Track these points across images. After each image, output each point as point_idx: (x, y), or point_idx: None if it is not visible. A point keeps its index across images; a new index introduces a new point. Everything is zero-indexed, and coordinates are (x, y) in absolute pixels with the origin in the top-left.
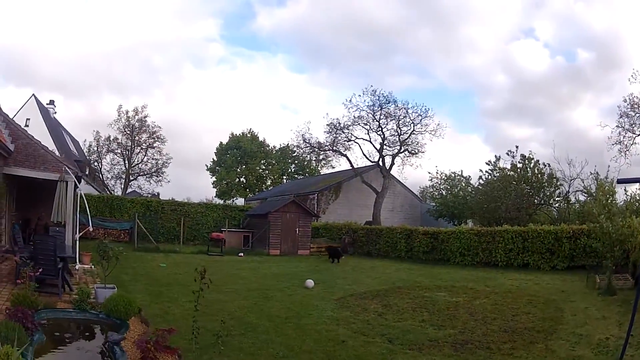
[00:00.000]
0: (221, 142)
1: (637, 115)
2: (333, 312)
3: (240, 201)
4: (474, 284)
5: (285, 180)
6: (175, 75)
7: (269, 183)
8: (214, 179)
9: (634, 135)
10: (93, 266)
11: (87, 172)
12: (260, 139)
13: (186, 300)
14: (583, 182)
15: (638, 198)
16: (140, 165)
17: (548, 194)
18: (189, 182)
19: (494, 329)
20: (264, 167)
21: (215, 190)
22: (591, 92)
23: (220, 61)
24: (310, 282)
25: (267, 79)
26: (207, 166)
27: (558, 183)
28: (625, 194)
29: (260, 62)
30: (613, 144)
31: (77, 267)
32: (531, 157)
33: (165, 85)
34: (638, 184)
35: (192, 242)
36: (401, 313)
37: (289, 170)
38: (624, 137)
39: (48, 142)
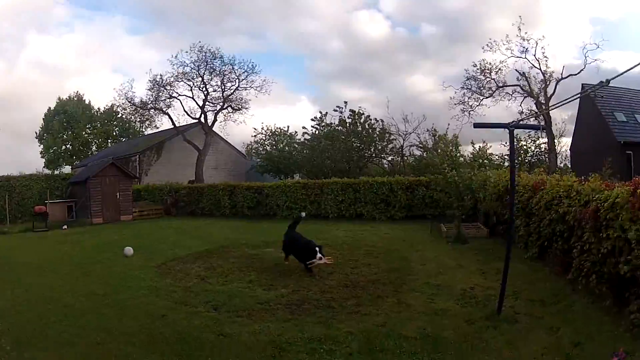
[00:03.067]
0: (49, 108)
1: (487, 79)
2: (153, 282)
3: (67, 169)
4: None
5: (110, 144)
6: (19, 43)
7: (94, 148)
8: (41, 148)
9: (482, 97)
10: None
11: None
12: (87, 102)
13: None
14: (419, 137)
15: (485, 151)
16: None
17: (380, 148)
18: (23, 154)
19: (332, 285)
20: (89, 132)
21: (43, 160)
22: (431, 62)
23: (60, 24)
24: (129, 250)
25: (103, 40)
26: (36, 134)
27: (391, 137)
28: (473, 146)
29: (98, 24)
30: (456, 104)
31: None
32: (361, 112)
33: (8, 53)
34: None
35: (21, 220)
36: (226, 275)
37: (114, 133)
38: (469, 97)
39: None
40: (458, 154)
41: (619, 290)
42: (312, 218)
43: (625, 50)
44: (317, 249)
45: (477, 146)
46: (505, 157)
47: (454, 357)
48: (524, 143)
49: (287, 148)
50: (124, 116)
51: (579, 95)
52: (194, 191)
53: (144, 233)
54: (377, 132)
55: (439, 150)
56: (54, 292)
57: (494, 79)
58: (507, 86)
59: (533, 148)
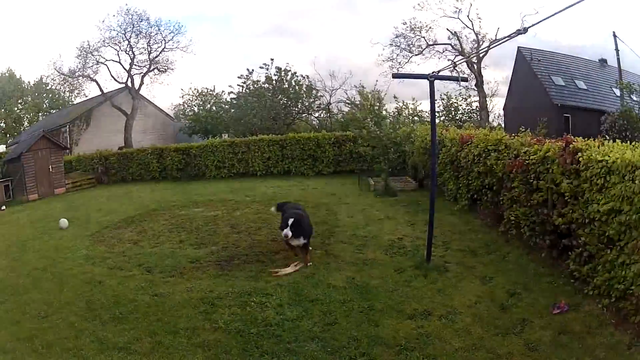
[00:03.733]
0: None
1: (417, 37)
2: (88, 250)
3: (2, 148)
4: (232, 196)
5: (41, 118)
6: None
7: (26, 123)
8: None
9: (410, 55)
10: None
11: None
12: (18, 77)
13: None
14: (346, 94)
15: (415, 108)
16: None
17: (307, 104)
18: None
19: (261, 240)
20: (20, 107)
21: None
22: (360, 19)
23: None
24: (63, 222)
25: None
26: None
27: (318, 94)
28: (396, 101)
29: None
30: (384, 61)
31: None
32: (288, 69)
33: None
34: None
35: None
36: (157, 237)
37: (44, 105)
38: (397, 55)
39: None
40: (382, 109)
41: (554, 242)
42: (240, 176)
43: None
44: (290, 221)
45: (403, 102)
46: (444, 111)
47: (384, 305)
48: (454, 100)
49: (214, 108)
50: (53, 87)
51: (503, 40)
52: (124, 157)
53: (77, 204)
54: (304, 89)
55: (361, 106)
56: None
57: (424, 37)
58: (437, 44)
59: (464, 106)
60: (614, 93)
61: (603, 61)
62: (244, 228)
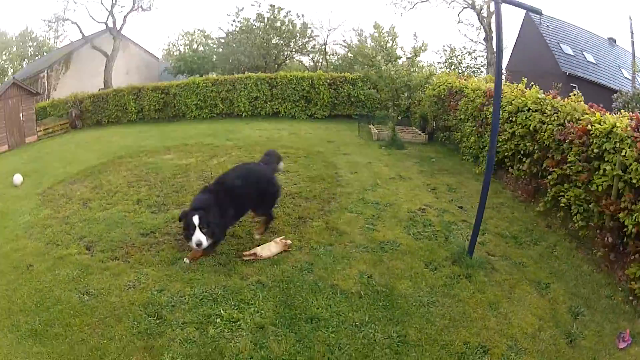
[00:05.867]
0: None
1: None
2: (32, 215)
3: None
4: (212, 139)
5: (25, 66)
6: None
7: (10, 72)
8: None
9: (416, 1)
10: None
11: None
12: (2, 29)
13: None
14: (343, 36)
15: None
16: None
17: (301, 44)
18: None
19: None
20: (5, 58)
21: None
22: None
23: None
24: (17, 179)
25: None
26: None
27: (313, 34)
28: (415, 40)
29: None
30: (387, 4)
31: None
32: (281, 7)
33: None
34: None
35: None
36: (112, 194)
37: (29, 53)
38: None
39: None
40: (395, 46)
41: (614, 242)
42: (223, 117)
43: None
44: (194, 218)
45: (419, 42)
46: (439, 63)
47: (421, 333)
48: (458, 53)
49: (201, 48)
50: (38, 35)
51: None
52: (99, 99)
53: (43, 153)
54: (298, 28)
55: (372, 42)
56: None
57: None
58: None
59: (469, 60)
60: (622, 74)
61: (612, 40)
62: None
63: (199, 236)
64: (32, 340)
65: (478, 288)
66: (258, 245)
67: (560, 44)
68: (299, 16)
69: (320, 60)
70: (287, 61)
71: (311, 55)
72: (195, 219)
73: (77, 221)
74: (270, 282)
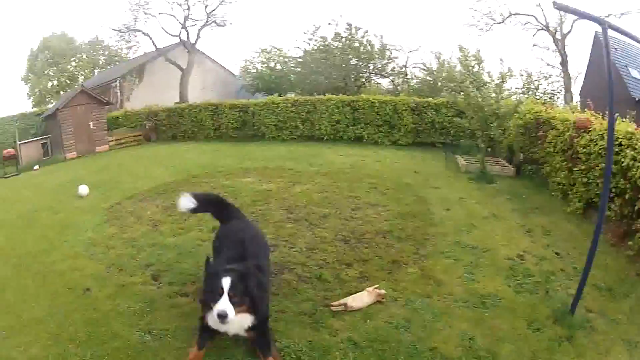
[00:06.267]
0: (31, 49)
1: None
2: (95, 232)
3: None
4: (293, 164)
5: (96, 74)
6: None
7: (81, 80)
8: (27, 89)
9: (493, 22)
10: None
11: None
12: (70, 37)
13: None
14: (422, 59)
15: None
16: None
17: (380, 66)
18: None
19: (325, 237)
20: (74, 65)
21: (31, 101)
22: None
23: None
24: (83, 189)
25: None
26: (21, 77)
27: (392, 55)
28: (501, 64)
29: None
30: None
31: None
32: (358, 26)
33: None
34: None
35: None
36: (186, 218)
37: (100, 62)
38: (479, 21)
39: None
40: (481, 71)
41: None
42: (304, 140)
43: None
44: (225, 281)
45: (508, 68)
46: (516, 89)
47: None
48: (535, 78)
49: (278, 66)
50: (110, 44)
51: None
52: (174, 113)
53: (113, 165)
54: (377, 49)
55: (462, 63)
56: None
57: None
58: (520, 15)
59: (545, 85)
60: None
61: None
62: (303, 214)
63: (223, 307)
64: None
65: (579, 352)
66: (349, 295)
67: (629, 68)
68: (377, 37)
69: (401, 84)
70: (366, 84)
71: (391, 78)
72: (225, 281)
73: (145, 245)
74: (363, 342)
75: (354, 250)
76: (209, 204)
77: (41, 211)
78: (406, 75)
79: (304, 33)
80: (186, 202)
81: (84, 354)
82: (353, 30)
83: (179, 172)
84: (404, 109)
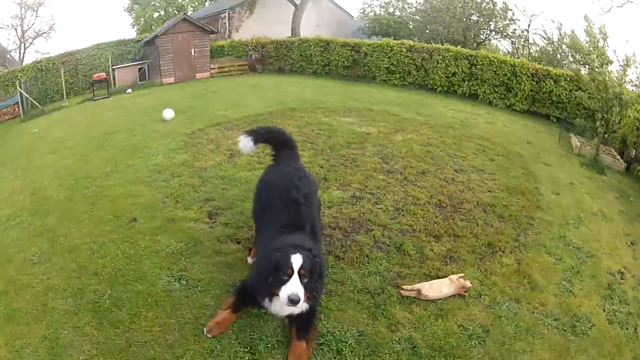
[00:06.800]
0: None
1: None
2: (166, 158)
3: None
4: (400, 110)
5: (206, 5)
6: None
7: (190, 11)
8: (131, 19)
9: None
10: None
11: None
12: None
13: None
14: (543, 27)
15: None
16: (33, 27)
17: (501, 26)
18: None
19: (417, 199)
20: None
21: (135, 30)
22: None
23: None
24: (168, 113)
25: None
26: (124, 8)
27: (514, 17)
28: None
29: None
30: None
31: None
32: None
33: None
34: None
35: (89, 91)
36: (267, 153)
37: None
38: None
39: None
40: (606, 47)
41: None
42: (417, 87)
43: None
44: (294, 259)
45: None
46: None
47: None
48: None
49: (397, 12)
50: None
51: None
52: (282, 46)
53: (209, 92)
54: (499, 8)
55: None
56: (49, 178)
57: None
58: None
59: None
60: None
61: None
62: (399, 166)
63: (294, 290)
64: (89, 317)
65: None
66: (427, 279)
67: None
68: None
69: (521, 48)
70: (486, 42)
71: (512, 40)
72: (294, 259)
73: (214, 176)
74: (425, 348)
75: (448, 220)
76: (270, 140)
77: (117, 133)
78: (527, 39)
79: None
80: (245, 144)
81: (103, 291)
82: None
83: (276, 104)
84: (523, 72)
